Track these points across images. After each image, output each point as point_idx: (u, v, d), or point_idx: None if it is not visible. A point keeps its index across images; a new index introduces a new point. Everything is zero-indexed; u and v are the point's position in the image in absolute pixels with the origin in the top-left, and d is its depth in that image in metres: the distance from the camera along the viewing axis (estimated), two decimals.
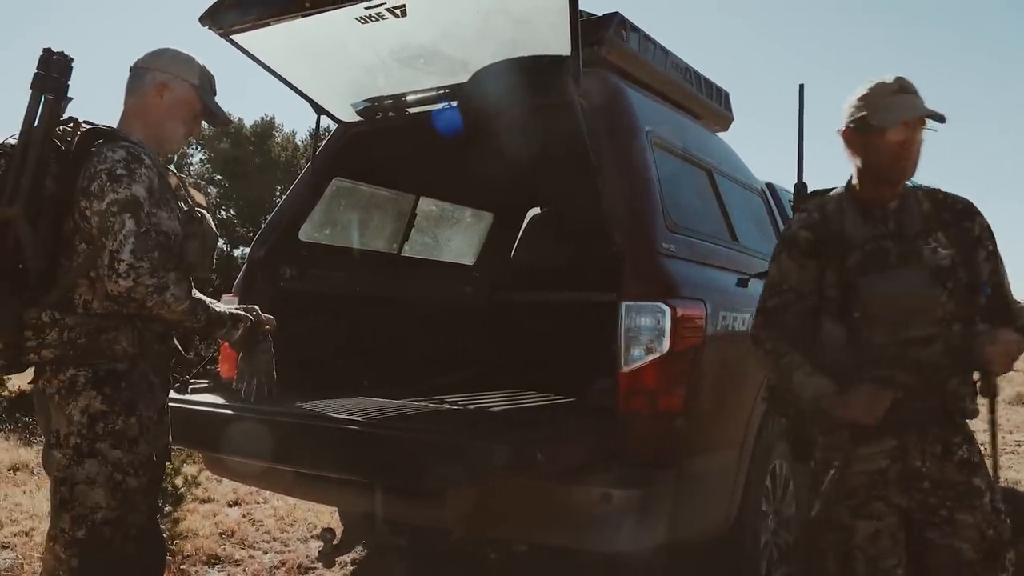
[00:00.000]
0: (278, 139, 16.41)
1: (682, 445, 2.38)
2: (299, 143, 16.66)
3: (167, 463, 2.35)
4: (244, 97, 46.49)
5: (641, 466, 2.29)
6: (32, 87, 2.06)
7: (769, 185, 4.04)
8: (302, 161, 15.94)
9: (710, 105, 3.60)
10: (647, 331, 2.32)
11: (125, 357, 2.09)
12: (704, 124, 3.58)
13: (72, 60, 2.10)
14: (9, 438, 6.96)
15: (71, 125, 2.13)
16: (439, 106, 3.19)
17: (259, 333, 2.27)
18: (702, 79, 3.55)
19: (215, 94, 2.28)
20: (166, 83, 2.20)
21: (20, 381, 11.53)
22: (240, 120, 16.17)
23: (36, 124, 2.05)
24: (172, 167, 2.38)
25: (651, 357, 2.31)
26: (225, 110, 2.34)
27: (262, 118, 16.45)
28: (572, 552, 2.90)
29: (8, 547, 3.93)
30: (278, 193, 15.80)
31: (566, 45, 2.53)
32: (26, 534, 4.07)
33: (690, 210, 2.84)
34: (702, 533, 2.60)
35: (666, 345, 2.31)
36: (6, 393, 10.27)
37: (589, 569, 3.38)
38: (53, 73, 2.07)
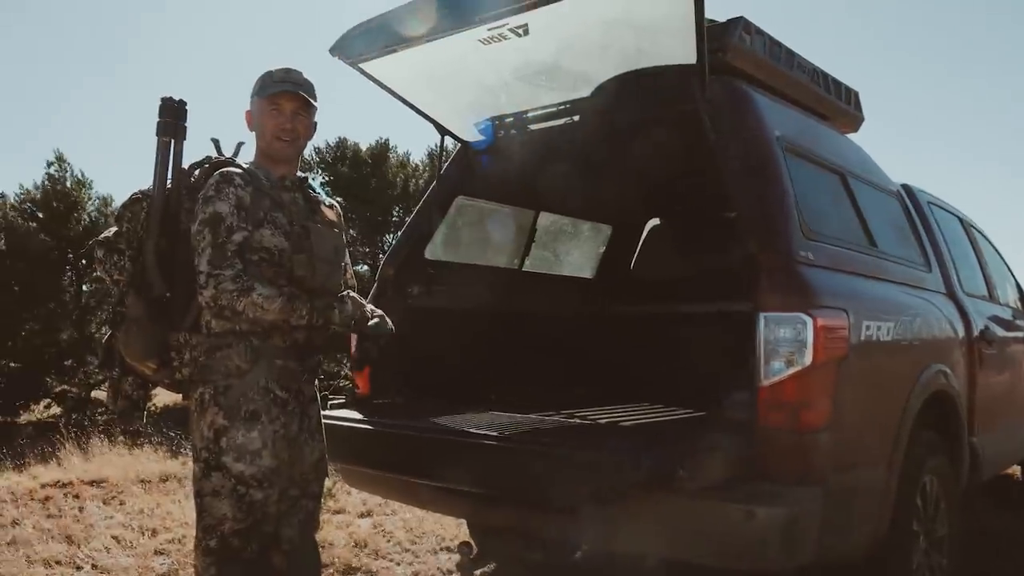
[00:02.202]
0: (393, 161, 16.95)
1: (827, 461, 2.28)
2: (418, 163, 17.14)
3: (324, 478, 2.45)
4: (360, 122, 48.45)
5: (785, 483, 2.21)
6: (156, 134, 2.25)
7: (905, 187, 3.83)
8: (419, 182, 16.36)
9: (839, 106, 3.45)
10: (787, 343, 2.23)
11: (240, 373, 2.20)
12: (834, 125, 3.44)
13: (185, 104, 2.27)
14: (158, 450, 7.45)
15: (207, 164, 2.31)
16: (561, 122, 3.21)
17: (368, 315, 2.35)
18: (830, 79, 3.41)
19: (285, 80, 2.33)
20: (248, 110, 2.39)
21: (165, 397, 12.36)
22: (356, 144, 16.83)
23: (157, 168, 2.24)
24: (316, 187, 2.49)
25: (792, 370, 2.23)
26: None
27: (377, 141, 17.03)
28: (708, 569, 2.82)
29: (164, 553, 4.19)
30: (395, 213, 16.29)
31: (692, 53, 2.50)
32: (179, 541, 4.34)
33: (826, 216, 2.73)
34: (849, 553, 2.47)
35: (808, 358, 2.21)
36: (153, 407, 11.00)
37: None
38: (169, 118, 2.24)
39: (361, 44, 2.97)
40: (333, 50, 3.02)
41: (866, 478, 2.50)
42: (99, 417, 10.78)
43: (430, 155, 16.65)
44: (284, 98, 2.32)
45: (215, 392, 2.20)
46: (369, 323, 2.31)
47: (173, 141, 2.25)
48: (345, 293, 2.36)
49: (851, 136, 3.66)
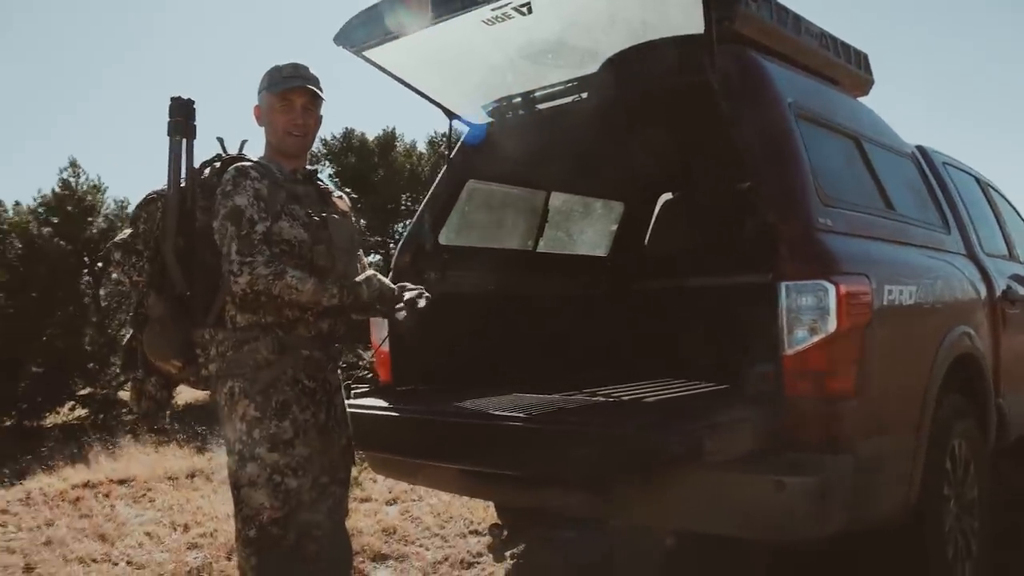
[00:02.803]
0: (399, 150, 16.93)
1: (855, 428, 2.26)
2: (423, 151, 17.11)
3: (352, 465, 2.47)
4: (365, 112, 48.42)
5: (812, 452, 2.20)
6: (167, 134, 2.26)
7: (920, 148, 3.78)
8: (426, 169, 16.34)
9: (849, 69, 3.40)
10: (810, 311, 2.22)
11: (268, 365, 2.22)
12: (844, 89, 3.39)
13: (193, 102, 2.27)
14: (183, 447, 7.53)
15: (218, 163, 2.32)
16: (569, 99, 3.19)
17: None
18: (839, 43, 3.36)
19: (294, 76, 2.34)
20: (257, 105, 2.40)
21: (187, 395, 12.47)
22: (363, 134, 16.83)
23: (171, 167, 2.25)
24: (324, 179, 2.49)
25: (816, 338, 2.21)
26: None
27: (383, 131, 17.01)
28: (734, 541, 2.83)
29: (197, 547, 4.25)
30: (403, 201, 16.30)
31: (699, 23, 2.47)
32: (211, 535, 4.39)
33: (842, 181, 2.70)
34: (881, 520, 2.47)
35: (832, 325, 2.20)
36: (176, 405, 11.10)
37: (752, 557, 3.29)
38: (179, 117, 2.25)
39: (364, 32, 2.95)
40: (337, 39, 3.01)
41: (895, 444, 2.49)
42: (124, 417, 10.91)
43: (431, 142, 16.60)
44: (295, 93, 2.33)
45: (245, 385, 2.22)
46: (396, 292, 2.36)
47: (185, 140, 2.25)
48: (369, 273, 2.37)
49: (862, 99, 3.61)
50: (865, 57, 3.58)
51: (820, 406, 2.22)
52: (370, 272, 2.39)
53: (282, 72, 2.34)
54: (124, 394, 12.81)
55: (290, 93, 2.32)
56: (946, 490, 2.79)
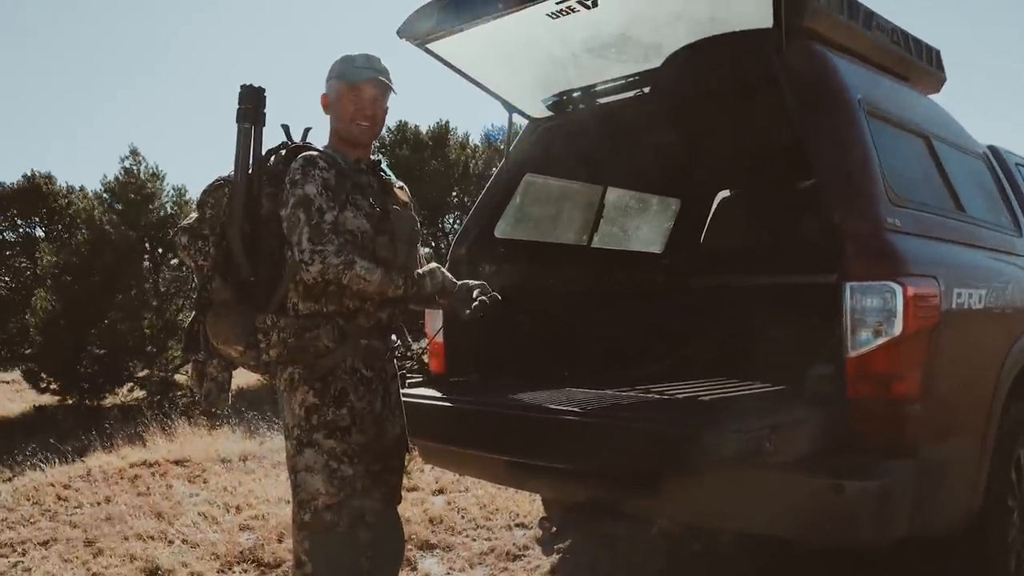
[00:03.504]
0: (452, 143, 17.01)
1: (919, 433, 2.21)
2: (475, 145, 17.17)
3: (405, 453, 2.50)
4: (420, 104, 48.84)
5: (874, 456, 2.15)
6: (236, 121, 2.27)
7: (992, 148, 3.67)
8: (478, 163, 16.39)
9: (921, 66, 3.31)
10: (875, 313, 2.17)
11: (328, 353, 2.25)
12: (916, 87, 3.30)
13: (264, 90, 2.29)
14: (236, 431, 7.70)
15: (284, 150, 2.34)
16: (630, 94, 3.17)
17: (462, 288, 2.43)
18: (910, 38, 3.28)
19: (367, 68, 2.36)
20: (325, 91, 2.41)
21: (240, 379, 12.74)
22: (416, 126, 16.96)
23: (239, 153, 2.26)
24: (387, 170, 2.51)
25: (881, 340, 2.16)
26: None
27: (437, 123, 17.11)
28: (781, 542, 2.79)
29: (249, 528, 4.34)
30: (455, 194, 16.38)
31: (768, 17, 2.43)
32: (262, 517, 4.49)
33: (912, 181, 2.64)
34: (942, 528, 2.41)
35: (898, 327, 2.15)
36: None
37: (800, 560, 3.24)
38: (249, 105, 2.26)
39: (428, 24, 2.97)
40: (401, 32, 3.03)
41: (959, 451, 2.43)
42: (180, 400, 11.20)
43: (486, 136, 16.62)
44: (366, 84, 2.35)
45: (305, 372, 2.25)
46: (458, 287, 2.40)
47: (254, 127, 2.27)
48: (433, 265, 2.40)
49: (933, 97, 3.52)
50: (937, 53, 3.48)
51: (883, 409, 2.18)
52: (433, 265, 2.42)
53: (355, 62, 2.36)
54: (180, 377, 13.17)
55: (364, 83, 2.34)
56: (1010, 501, 2.71)
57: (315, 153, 2.29)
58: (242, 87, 2.28)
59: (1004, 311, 2.77)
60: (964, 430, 2.47)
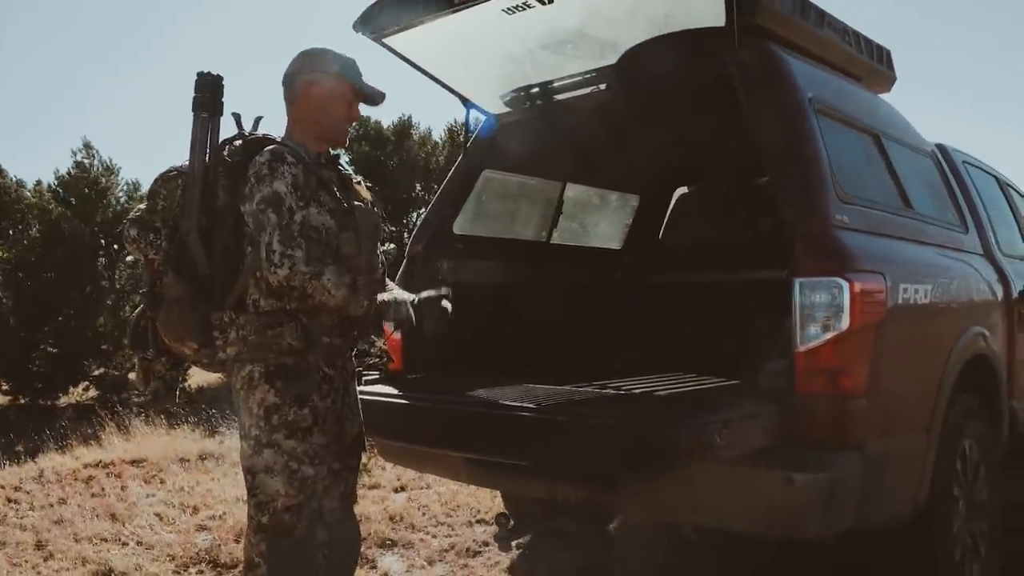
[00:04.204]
0: (415, 138, 16.92)
1: (866, 426, 2.25)
2: (437, 140, 17.10)
3: (362, 452, 2.47)
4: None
5: (823, 449, 2.19)
6: (192, 110, 2.20)
7: (940, 146, 3.75)
8: (440, 159, 16.32)
9: (871, 65, 3.37)
10: (823, 308, 2.21)
11: (291, 351, 2.19)
12: (866, 85, 3.36)
13: (222, 79, 2.22)
14: (195, 430, 7.59)
15: (239, 141, 2.27)
16: (587, 91, 3.18)
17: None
18: (861, 38, 3.33)
19: (361, 75, 2.33)
20: (311, 81, 2.29)
21: (199, 378, 12.56)
22: (378, 122, 16.84)
23: (195, 144, 2.19)
24: (344, 165, 2.47)
25: (829, 335, 2.20)
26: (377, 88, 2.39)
27: (399, 118, 17.01)
28: (744, 537, 2.82)
29: (206, 529, 4.28)
30: (418, 190, 16.30)
31: (720, 16, 2.45)
32: (219, 517, 4.43)
33: (861, 178, 2.68)
34: (889, 519, 2.46)
35: (846, 322, 2.19)
36: (188, 388, 11.16)
37: (761, 554, 3.29)
38: (206, 93, 2.20)
39: (384, 18, 2.95)
40: (356, 25, 3.00)
41: (905, 443, 2.48)
42: (136, 399, 11.01)
43: (450, 131, 16.54)
44: (367, 91, 2.34)
45: (266, 370, 2.20)
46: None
47: (210, 117, 2.21)
48: (397, 293, 2.35)
49: (884, 96, 3.58)
50: (888, 53, 3.55)
51: (831, 403, 2.21)
52: (398, 293, 2.35)
53: (353, 67, 2.31)
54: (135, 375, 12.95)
55: (365, 89, 2.32)
56: (955, 491, 2.78)
57: (281, 147, 2.20)
58: (199, 75, 2.20)
59: (950, 306, 2.84)
60: (910, 423, 2.52)
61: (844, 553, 2.68)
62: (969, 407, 2.90)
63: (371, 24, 2.97)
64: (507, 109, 3.48)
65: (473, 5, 2.70)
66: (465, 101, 3.45)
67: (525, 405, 2.23)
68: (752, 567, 3.27)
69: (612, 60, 3.04)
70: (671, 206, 4.70)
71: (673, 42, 2.83)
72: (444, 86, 3.34)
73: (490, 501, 4.43)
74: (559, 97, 3.31)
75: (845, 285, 2.20)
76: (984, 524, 2.99)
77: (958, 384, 2.74)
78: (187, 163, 2.23)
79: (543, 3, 2.68)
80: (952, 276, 2.92)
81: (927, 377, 2.62)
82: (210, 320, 2.21)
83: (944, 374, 2.68)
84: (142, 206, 2.32)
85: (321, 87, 2.29)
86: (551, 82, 3.27)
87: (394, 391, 2.74)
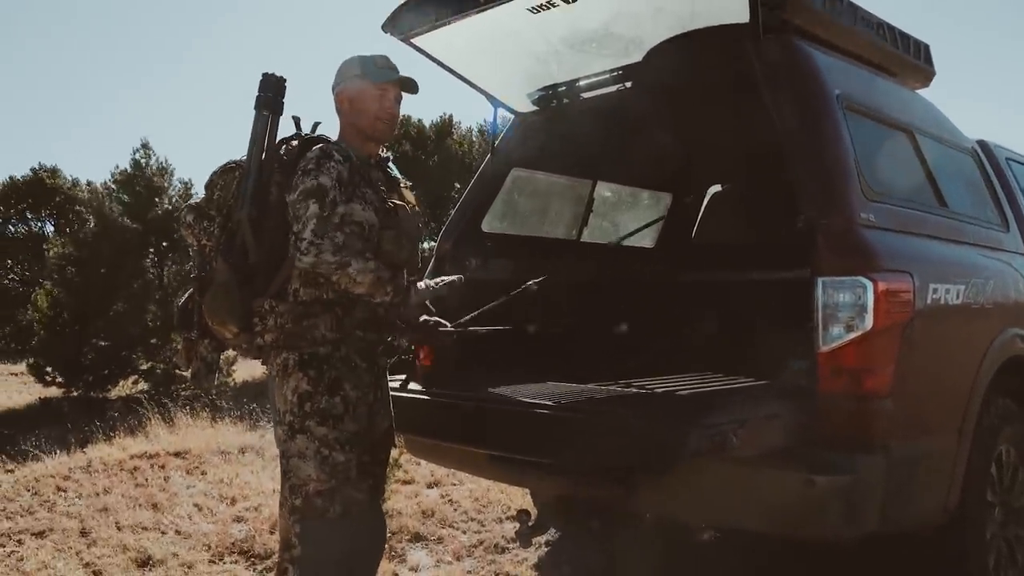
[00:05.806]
0: (455, 136, 17.01)
1: (890, 428, 2.21)
2: (475, 139, 17.16)
3: (392, 446, 2.52)
4: (422, 98, 48.75)
5: (846, 451, 2.16)
6: (255, 107, 2.33)
7: (981, 142, 3.65)
8: (477, 157, 16.38)
9: (907, 60, 3.30)
10: (846, 308, 2.17)
11: (325, 342, 2.27)
12: (902, 81, 3.29)
13: (285, 80, 2.34)
14: (237, 424, 7.74)
15: (296, 141, 2.38)
16: (613, 89, 3.17)
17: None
18: (896, 32, 3.26)
19: (391, 69, 2.42)
20: (342, 89, 2.43)
21: (243, 372, 12.82)
22: (420, 120, 16.95)
23: (255, 140, 2.31)
24: (394, 168, 2.55)
25: (852, 335, 2.17)
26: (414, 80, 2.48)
27: (440, 117, 17.10)
28: (765, 538, 2.79)
29: (242, 520, 4.38)
30: (456, 189, 16.37)
31: (745, 12, 2.43)
32: (256, 509, 4.52)
33: (890, 176, 2.63)
34: (916, 523, 2.41)
35: (869, 322, 2.15)
36: (232, 382, 11.40)
37: (782, 555, 3.25)
38: (270, 93, 2.31)
39: (411, 19, 2.98)
40: (385, 26, 3.05)
41: (933, 446, 2.43)
42: (182, 392, 11.28)
43: (481, 130, 16.57)
44: (392, 85, 2.42)
45: (300, 359, 2.27)
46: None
47: (271, 115, 2.32)
48: (427, 282, 2.46)
49: (922, 91, 3.50)
50: (926, 48, 3.46)
51: (854, 404, 2.18)
52: (425, 282, 2.47)
53: (377, 63, 2.41)
54: (179, 355, 13.25)
55: (387, 84, 2.41)
56: (990, 496, 2.71)
57: (331, 145, 2.32)
58: (264, 75, 2.34)
59: (985, 306, 2.76)
60: (939, 425, 2.47)
61: (872, 556, 2.63)
62: (1006, 410, 2.82)
63: (399, 25, 3.01)
64: (534, 108, 3.49)
65: (498, 5, 2.72)
66: (492, 100, 3.47)
67: (543, 402, 2.24)
68: (776, 570, 3.23)
69: (637, 58, 3.03)
70: (704, 205, 4.66)
71: (699, 39, 2.81)
72: (471, 85, 3.36)
73: (522, 498, 4.43)
74: (585, 95, 3.31)
75: (869, 284, 2.16)
76: (1022, 531, 2.91)
77: (994, 385, 2.67)
78: (245, 157, 2.35)
79: (567, 2, 2.68)
80: (988, 276, 2.85)
81: (959, 379, 2.56)
82: (252, 307, 2.31)
83: (978, 376, 2.61)
84: (201, 195, 2.45)
85: (350, 91, 2.43)
86: (577, 80, 3.27)
87: (420, 388, 2.77)
